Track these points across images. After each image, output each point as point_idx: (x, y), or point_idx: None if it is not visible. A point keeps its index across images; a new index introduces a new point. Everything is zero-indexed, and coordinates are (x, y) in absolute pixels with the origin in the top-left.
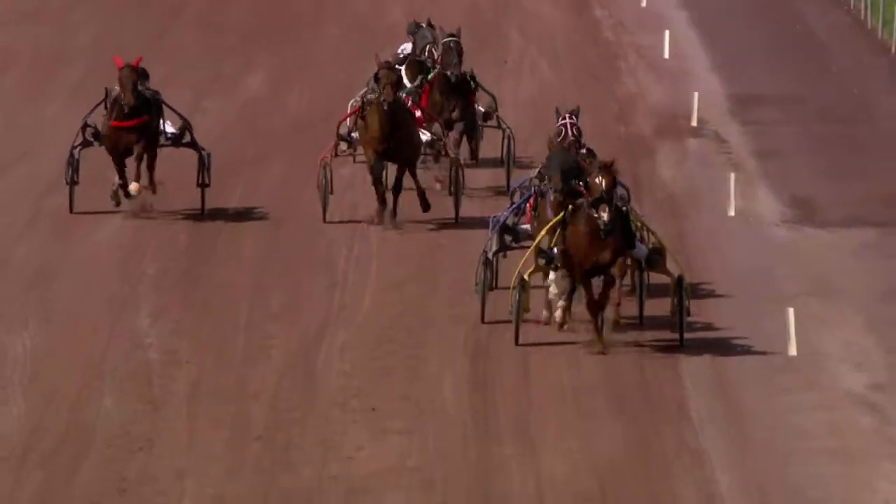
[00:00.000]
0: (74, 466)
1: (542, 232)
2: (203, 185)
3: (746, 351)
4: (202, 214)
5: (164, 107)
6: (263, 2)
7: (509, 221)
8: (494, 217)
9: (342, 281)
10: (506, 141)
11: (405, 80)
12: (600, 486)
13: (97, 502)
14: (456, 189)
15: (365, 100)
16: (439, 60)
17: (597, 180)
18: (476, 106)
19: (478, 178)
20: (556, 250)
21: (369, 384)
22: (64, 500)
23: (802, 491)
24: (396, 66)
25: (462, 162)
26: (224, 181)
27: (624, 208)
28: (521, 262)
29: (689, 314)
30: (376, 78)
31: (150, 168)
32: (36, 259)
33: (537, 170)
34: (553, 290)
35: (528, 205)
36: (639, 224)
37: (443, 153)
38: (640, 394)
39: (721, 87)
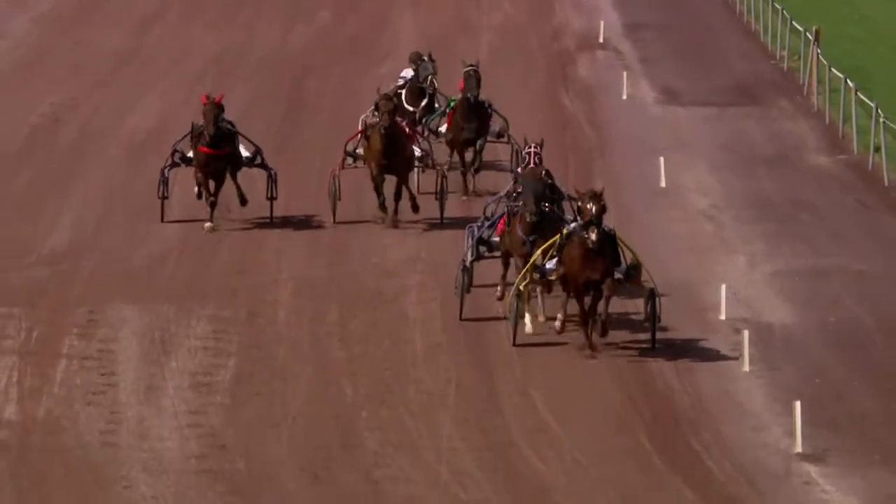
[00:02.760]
0: None
1: (538, 252)
2: (271, 199)
3: (633, 183)
4: (271, 222)
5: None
6: None
7: (484, 235)
8: (470, 226)
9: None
10: (515, 155)
11: (405, 103)
12: None
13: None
14: (441, 195)
15: (368, 123)
16: (461, 87)
17: (588, 206)
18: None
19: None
20: (548, 266)
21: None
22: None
23: (669, 272)
24: (395, 95)
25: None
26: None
27: (611, 231)
28: (518, 277)
29: (659, 321)
30: (377, 107)
31: (236, 185)
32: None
33: (506, 189)
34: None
35: (500, 220)
36: (621, 245)
37: (430, 166)
38: None
39: (619, 18)
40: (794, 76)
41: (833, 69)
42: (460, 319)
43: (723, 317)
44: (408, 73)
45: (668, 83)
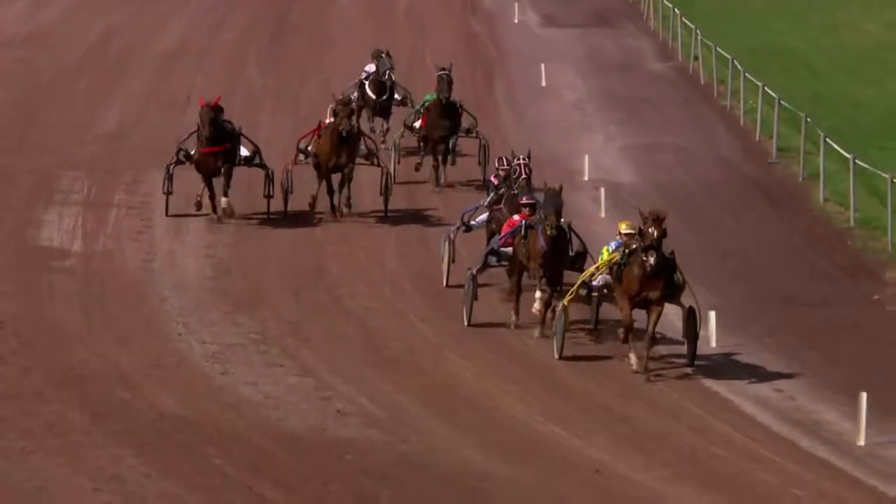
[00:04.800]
0: None
1: (590, 270)
2: (268, 196)
3: (522, 84)
4: (268, 217)
5: (240, 136)
6: None
7: (494, 246)
8: (447, 231)
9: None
10: (482, 149)
11: (369, 93)
12: None
13: None
14: (385, 191)
15: (322, 126)
16: (435, 88)
17: (649, 230)
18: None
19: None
20: (595, 283)
21: None
22: None
23: (549, 147)
24: (360, 86)
25: (392, 173)
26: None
27: (671, 256)
28: (567, 295)
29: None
30: (335, 112)
31: (226, 179)
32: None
33: (488, 199)
34: (537, 305)
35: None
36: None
37: (376, 164)
38: None
39: None
40: (637, 6)
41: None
42: (467, 325)
43: (586, 178)
44: (370, 67)
45: (548, 11)
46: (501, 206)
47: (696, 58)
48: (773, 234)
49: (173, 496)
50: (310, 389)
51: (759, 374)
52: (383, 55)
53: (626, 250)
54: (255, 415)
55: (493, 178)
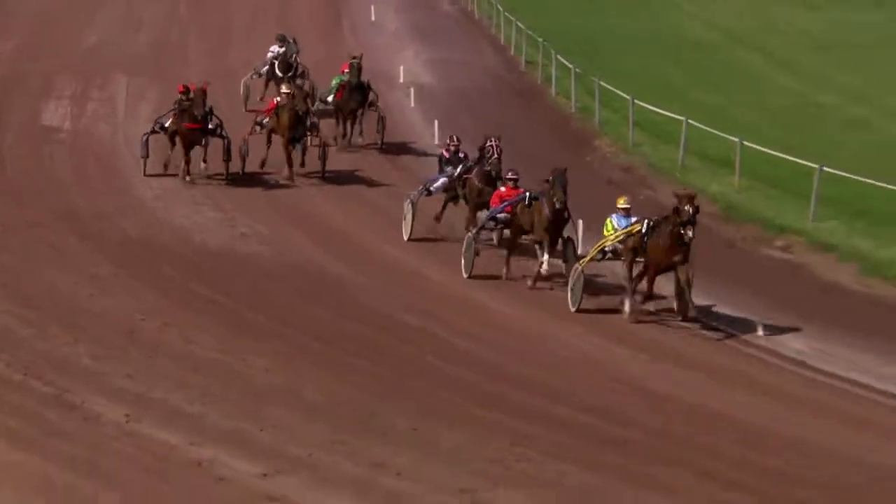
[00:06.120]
0: None
1: (608, 238)
2: (227, 161)
3: (358, 21)
4: (226, 178)
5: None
6: None
7: (497, 215)
8: (408, 196)
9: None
10: (380, 121)
11: (278, 71)
12: None
13: None
14: (323, 159)
15: (280, 104)
16: (344, 70)
17: (686, 207)
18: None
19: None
20: (609, 250)
21: None
22: None
23: (375, 63)
24: (270, 64)
25: (330, 143)
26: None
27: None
28: (584, 260)
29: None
30: (292, 95)
31: (205, 152)
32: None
33: (456, 170)
34: (545, 267)
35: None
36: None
37: (316, 135)
38: None
39: None
40: None
41: None
42: (468, 278)
43: (401, 81)
44: (275, 48)
45: None
46: (472, 175)
47: (472, 2)
48: (524, 119)
49: (135, 288)
50: (223, 220)
51: None
52: (290, 41)
53: (651, 224)
54: (187, 237)
55: (444, 152)
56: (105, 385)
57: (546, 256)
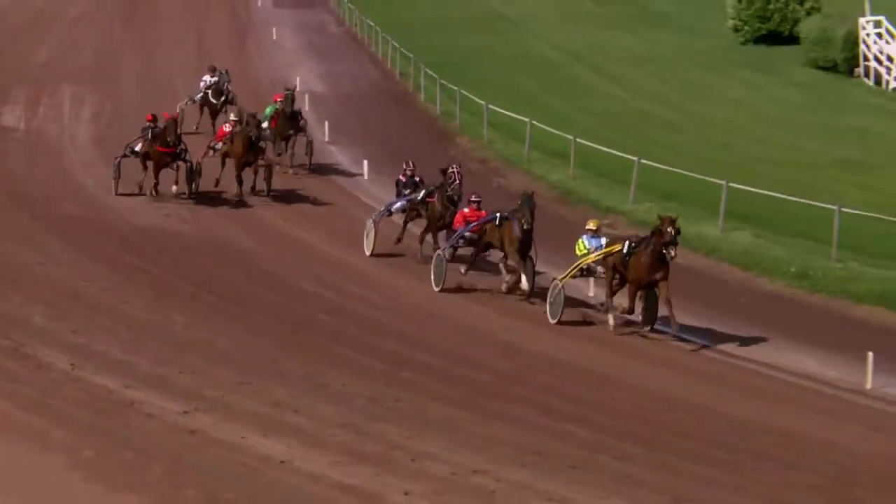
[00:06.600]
0: None
1: (588, 258)
2: (194, 181)
3: (262, 41)
4: (190, 196)
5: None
6: None
7: (465, 235)
8: (371, 217)
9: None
10: (308, 145)
11: (211, 98)
12: None
13: None
14: (268, 180)
15: (234, 130)
16: (278, 98)
17: (668, 229)
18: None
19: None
20: (597, 268)
21: None
22: None
23: (262, 75)
24: (203, 93)
25: (274, 165)
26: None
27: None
28: (563, 277)
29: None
30: (246, 122)
31: (177, 175)
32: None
33: (421, 193)
34: (524, 282)
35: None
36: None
37: (262, 157)
38: None
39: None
40: None
41: None
42: (438, 291)
43: (298, 90)
44: (207, 78)
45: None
46: (434, 200)
47: (355, 24)
48: (398, 120)
49: (79, 259)
50: (152, 203)
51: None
52: (222, 72)
53: (632, 245)
54: (119, 216)
55: (401, 177)
56: (54, 339)
57: (521, 272)
